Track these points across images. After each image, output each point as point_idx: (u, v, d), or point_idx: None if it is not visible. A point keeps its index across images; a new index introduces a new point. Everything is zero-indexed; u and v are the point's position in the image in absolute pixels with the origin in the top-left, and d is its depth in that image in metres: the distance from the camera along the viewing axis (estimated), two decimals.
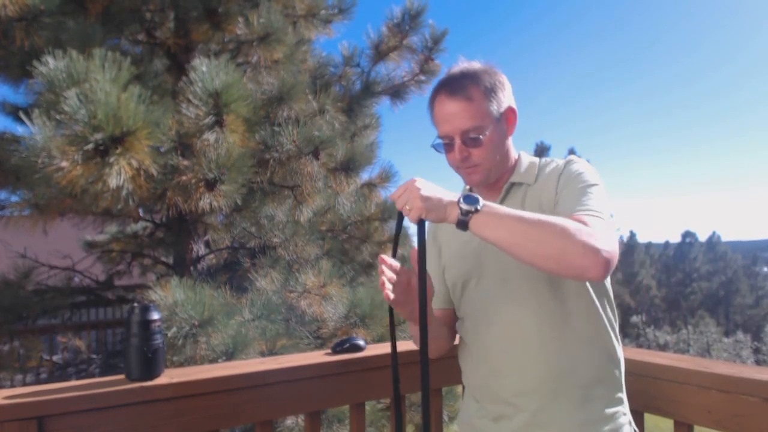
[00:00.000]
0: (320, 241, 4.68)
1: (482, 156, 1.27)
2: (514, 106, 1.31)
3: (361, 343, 1.62)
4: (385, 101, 5.41)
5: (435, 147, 1.31)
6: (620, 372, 1.27)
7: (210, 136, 3.09)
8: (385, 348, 1.67)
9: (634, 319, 32.62)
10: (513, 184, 1.34)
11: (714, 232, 48.12)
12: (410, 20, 5.07)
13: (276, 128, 3.83)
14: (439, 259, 1.45)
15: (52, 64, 2.55)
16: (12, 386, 5.20)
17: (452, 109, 1.25)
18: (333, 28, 5.25)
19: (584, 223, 1.08)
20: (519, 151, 1.39)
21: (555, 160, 1.36)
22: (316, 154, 3.82)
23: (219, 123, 3.10)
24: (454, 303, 1.43)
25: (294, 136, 3.75)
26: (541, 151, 27.32)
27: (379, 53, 5.17)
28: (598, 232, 1.06)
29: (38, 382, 5.74)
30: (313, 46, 5.20)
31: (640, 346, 27.51)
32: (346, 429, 3.42)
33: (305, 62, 4.95)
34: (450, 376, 1.57)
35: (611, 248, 1.05)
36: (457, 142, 1.26)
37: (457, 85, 1.26)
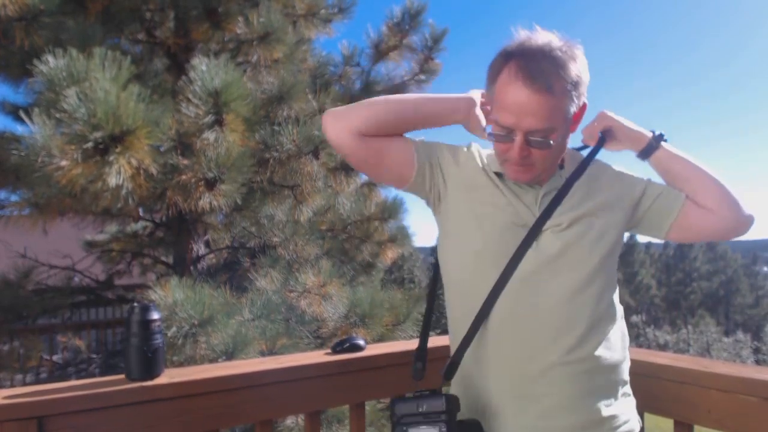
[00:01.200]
0: (320, 241, 4.69)
1: (541, 159, 1.12)
2: (586, 102, 1.15)
3: (361, 342, 1.62)
4: None
5: (489, 135, 1.14)
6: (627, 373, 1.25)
7: (210, 135, 3.09)
8: (384, 348, 1.67)
9: (634, 318, 32.66)
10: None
11: None
12: (410, 19, 5.07)
13: (276, 128, 3.83)
14: (441, 170, 1.25)
15: (52, 63, 2.54)
16: (12, 386, 5.20)
17: (527, 101, 1.05)
18: (333, 28, 5.25)
19: None
20: None
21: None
22: (316, 154, 3.82)
23: (219, 122, 3.09)
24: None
25: (294, 136, 3.75)
26: None
27: (379, 52, 5.17)
28: None
29: (38, 381, 5.74)
30: (313, 46, 5.20)
31: (640, 345, 27.52)
32: (346, 429, 3.42)
33: (305, 61, 4.94)
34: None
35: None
36: (519, 139, 1.08)
37: (540, 71, 1.04)
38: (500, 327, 1.16)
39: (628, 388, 1.23)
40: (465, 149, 1.30)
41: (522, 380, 1.15)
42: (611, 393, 1.18)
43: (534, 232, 1.16)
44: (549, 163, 1.16)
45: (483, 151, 1.30)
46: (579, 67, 1.09)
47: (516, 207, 1.19)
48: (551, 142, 1.09)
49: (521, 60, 1.07)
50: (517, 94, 1.06)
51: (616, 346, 1.20)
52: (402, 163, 1.24)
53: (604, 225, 1.19)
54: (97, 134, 2.45)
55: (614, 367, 1.19)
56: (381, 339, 3.60)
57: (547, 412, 1.13)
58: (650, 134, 1.26)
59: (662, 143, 1.25)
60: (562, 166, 1.25)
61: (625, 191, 1.25)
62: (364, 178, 5.09)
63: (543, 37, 1.10)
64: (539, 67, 1.05)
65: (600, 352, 1.15)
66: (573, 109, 1.11)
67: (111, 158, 2.50)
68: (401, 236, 5.20)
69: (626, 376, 1.23)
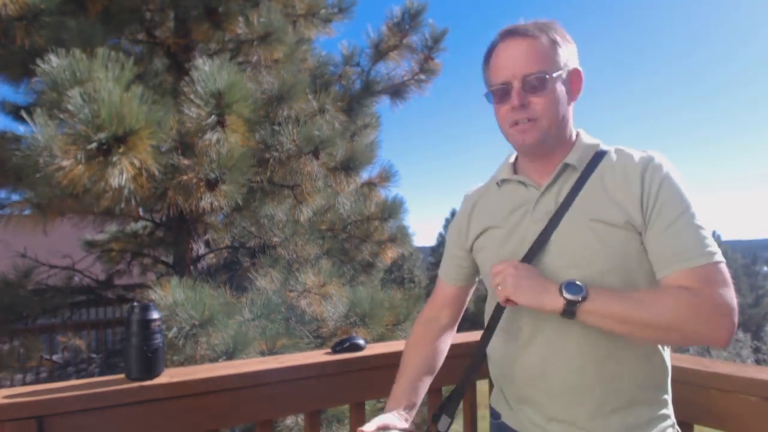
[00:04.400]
0: (320, 241, 4.69)
1: (542, 107, 1.11)
2: (580, 69, 1.17)
3: (361, 342, 1.62)
4: (384, 100, 5.41)
5: (486, 97, 1.19)
6: (667, 375, 1.18)
7: (211, 136, 3.09)
8: (384, 347, 1.67)
9: None
10: (568, 165, 1.16)
11: (714, 232, 47.91)
12: (410, 19, 5.06)
13: (276, 128, 3.83)
14: (467, 234, 1.32)
15: (55, 63, 2.54)
16: (12, 386, 5.20)
17: (515, 50, 1.13)
18: (333, 28, 5.25)
19: (714, 282, 0.99)
20: (577, 128, 1.23)
21: (624, 149, 1.16)
22: (316, 154, 3.82)
23: (221, 123, 3.09)
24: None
25: (294, 136, 3.75)
26: None
27: (379, 52, 5.17)
28: (727, 292, 0.98)
29: (38, 381, 5.74)
30: (313, 46, 5.20)
31: None
32: (346, 429, 3.42)
33: (305, 61, 4.95)
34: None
35: (735, 305, 0.97)
36: (516, 86, 1.11)
37: (521, 28, 1.14)
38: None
39: (665, 409, 1.19)
40: (462, 206, 1.39)
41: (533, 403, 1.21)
42: (640, 414, 1.15)
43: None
44: (552, 116, 1.12)
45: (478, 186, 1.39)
46: (557, 30, 1.15)
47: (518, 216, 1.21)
48: (546, 82, 1.10)
49: (505, 30, 1.17)
50: (504, 49, 1.15)
51: (637, 364, 1.16)
52: (460, 290, 1.40)
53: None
54: (101, 135, 2.45)
55: (640, 388, 1.16)
56: (381, 339, 3.60)
57: None
58: (559, 297, 1.03)
59: (585, 300, 1.01)
60: (568, 165, 1.17)
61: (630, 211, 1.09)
62: (364, 177, 5.10)
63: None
64: (521, 27, 1.15)
65: None
66: (562, 60, 1.13)
67: (114, 159, 2.50)
68: (401, 236, 5.19)
69: (659, 394, 1.18)
